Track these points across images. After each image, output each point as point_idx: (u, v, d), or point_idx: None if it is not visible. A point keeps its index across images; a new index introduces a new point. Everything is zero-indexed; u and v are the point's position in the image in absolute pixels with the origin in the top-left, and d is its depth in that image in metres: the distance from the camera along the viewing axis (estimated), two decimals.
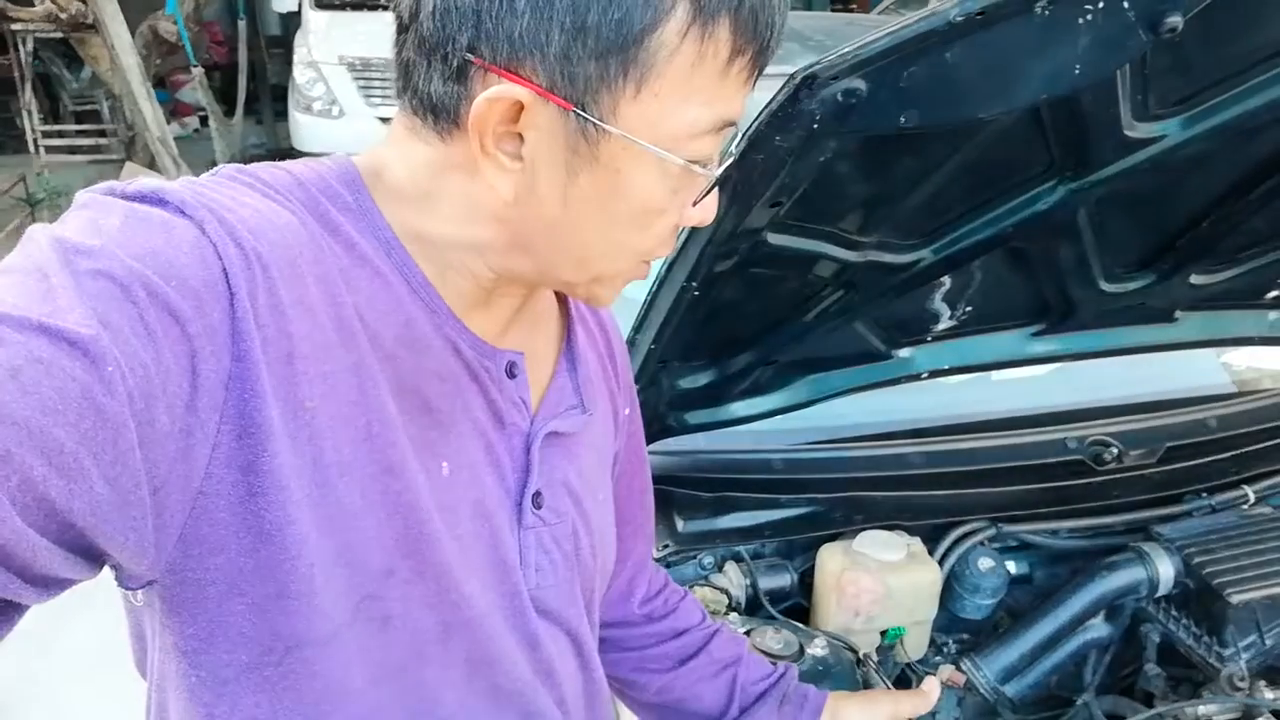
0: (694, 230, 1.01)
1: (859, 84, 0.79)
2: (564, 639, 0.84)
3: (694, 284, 1.08)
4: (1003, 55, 0.81)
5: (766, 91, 0.83)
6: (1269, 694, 1.36)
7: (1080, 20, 0.78)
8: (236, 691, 0.66)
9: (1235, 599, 1.43)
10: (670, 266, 1.07)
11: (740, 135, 0.85)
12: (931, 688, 1.15)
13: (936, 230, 1.21)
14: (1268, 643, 1.47)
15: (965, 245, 1.22)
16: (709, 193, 0.70)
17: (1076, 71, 0.84)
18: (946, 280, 1.38)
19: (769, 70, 0.67)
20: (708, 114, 0.63)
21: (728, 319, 1.27)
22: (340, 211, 0.67)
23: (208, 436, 0.57)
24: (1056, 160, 1.11)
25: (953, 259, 1.24)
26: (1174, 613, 1.54)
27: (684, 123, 0.63)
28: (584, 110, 0.61)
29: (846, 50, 0.76)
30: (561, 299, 0.87)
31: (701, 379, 1.44)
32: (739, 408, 1.53)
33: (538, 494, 0.78)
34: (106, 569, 0.58)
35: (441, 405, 0.71)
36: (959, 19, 0.74)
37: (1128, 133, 1.05)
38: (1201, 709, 1.38)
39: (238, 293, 0.57)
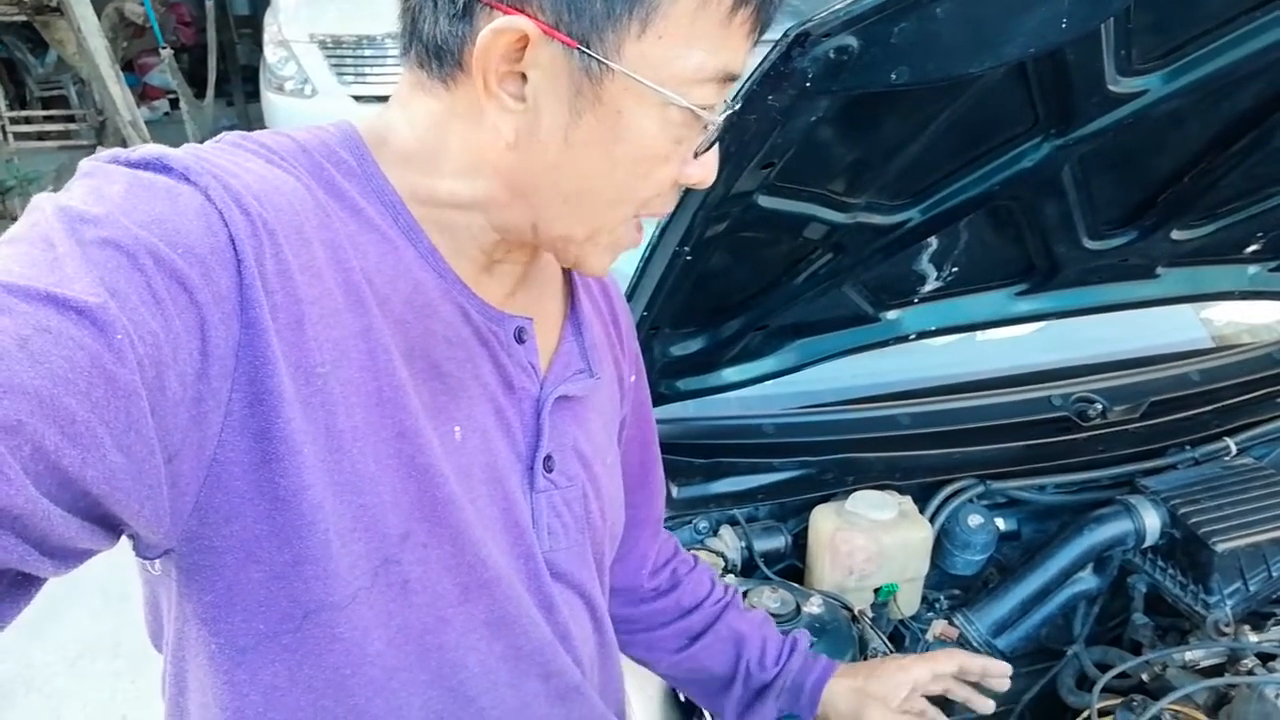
0: (687, 194, 1.01)
1: (851, 41, 0.79)
2: (578, 601, 0.85)
3: (687, 248, 1.09)
4: (992, 10, 0.81)
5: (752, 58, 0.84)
6: (1253, 637, 1.40)
7: None
8: (255, 660, 0.67)
9: (1220, 547, 1.46)
10: (663, 231, 1.08)
11: (734, 95, 0.85)
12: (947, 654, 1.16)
13: (924, 190, 1.22)
14: (1251, 589, 1.51)
15: (952, 204, 1.23)
16: (710, 148, 0.70)
17: (1063, 25, 0.85)
18: (933, 241, 1.39)
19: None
20: (711, 61, 0.64)
21: (719, 284, 1.28)
22: (345, 177, 0.67)
23: (220, 404, 0.57)
24: (1041, 117, 1.12)
25: (940, 219, 1.25)
26: (1160, 563, 1.58)
27: (687, 67, 0.63)
28: (588, 48, 0.61)
29: (839, 7, 0.77)
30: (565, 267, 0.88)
31: (693, 345, 1.44)
32: (730, 373, 1.54)
33: (549, 458, 0.79)
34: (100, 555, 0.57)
35: (451, 370, 0.71)
36: None
37: (1111, 88, 1.06)
38: (1189, 655, 1.42)
39: (244, 259, 0.57)
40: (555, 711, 0.83)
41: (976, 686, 1.15)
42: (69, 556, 0.52)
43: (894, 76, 0.84)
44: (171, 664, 0.73)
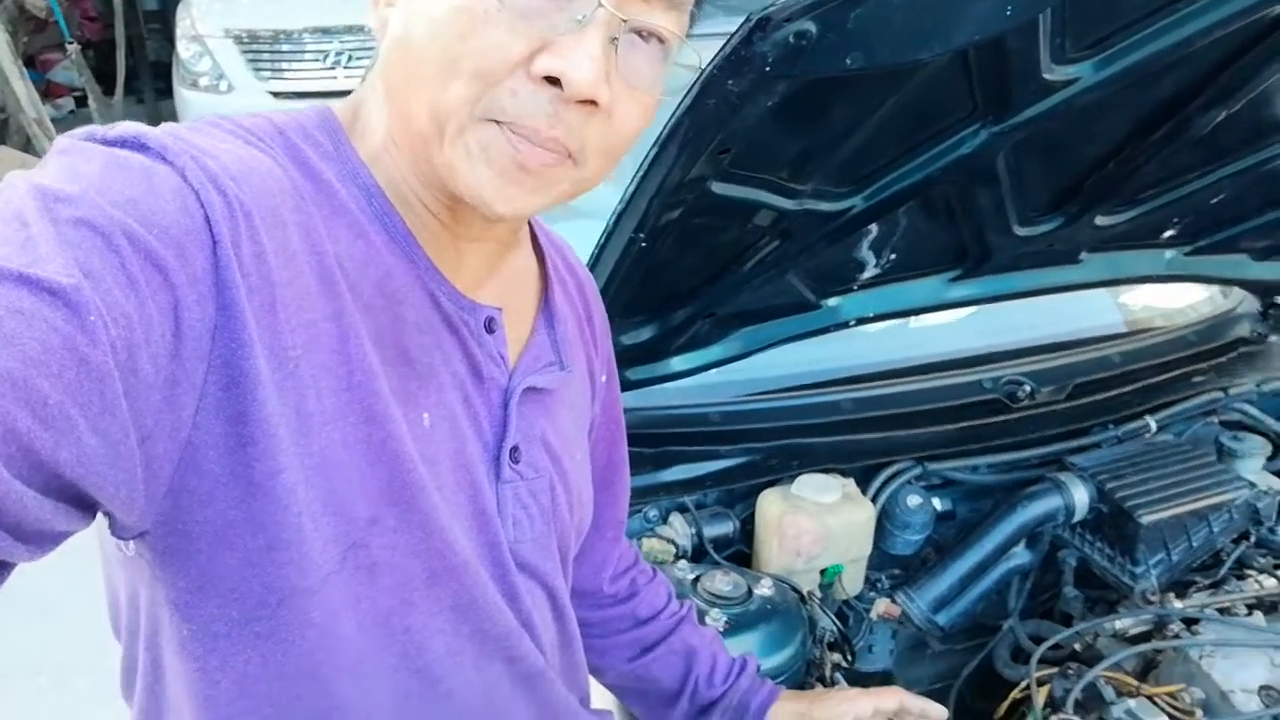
0: (643, 181, 1.03)
1: (809, 26, 0.81)
2: (540, 592, 0.85)
3: (642, 235, 1.10)
4: None
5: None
6: (1178, 604, 1.46)
7: None
8: (228, 647, 0.66)
9: (1145, 519, 1.53)
10: (619, 218, 1.09)
11: (694, 82, 0.87)
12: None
13: (867, 177, 1.25)
14: (1174, 558, 1.58)
15: (894, 191, 1.27)
16: (570, 36, 0.61)
17: (1007, 12, 0.89)
18: (873, 228, 1.43)
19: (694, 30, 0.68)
20: None
21: (670, 273, 1.30)
22: (321, 159, 0.67)
23: (194, 386, 0.57)
24: (979, 105, 1.16)
25: (882, 205, 1.28)
26: (1089, 537, 1.64)
27: None
28: None
29: None
30: (540, 259, 0.87)
31: (643, 334, 1.46)
32: (678, 362, 1.56)
33: (515, 449, 0.79)
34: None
35: (420, 357, 0.71)
36: None
37: (1046, 76, 1.11)
38: (1118, 624, 1.48)
39: (220, 241, 0.56)
40: (519, 693, 0.83)
41: None
42: (44, 540, 0.51)
43: (849, 61, 0.86)
44: (146, 651, 0.72)
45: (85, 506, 0.53)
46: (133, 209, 0.53)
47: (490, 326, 0.77)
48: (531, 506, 0.81)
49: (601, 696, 1.18)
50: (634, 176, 1.01)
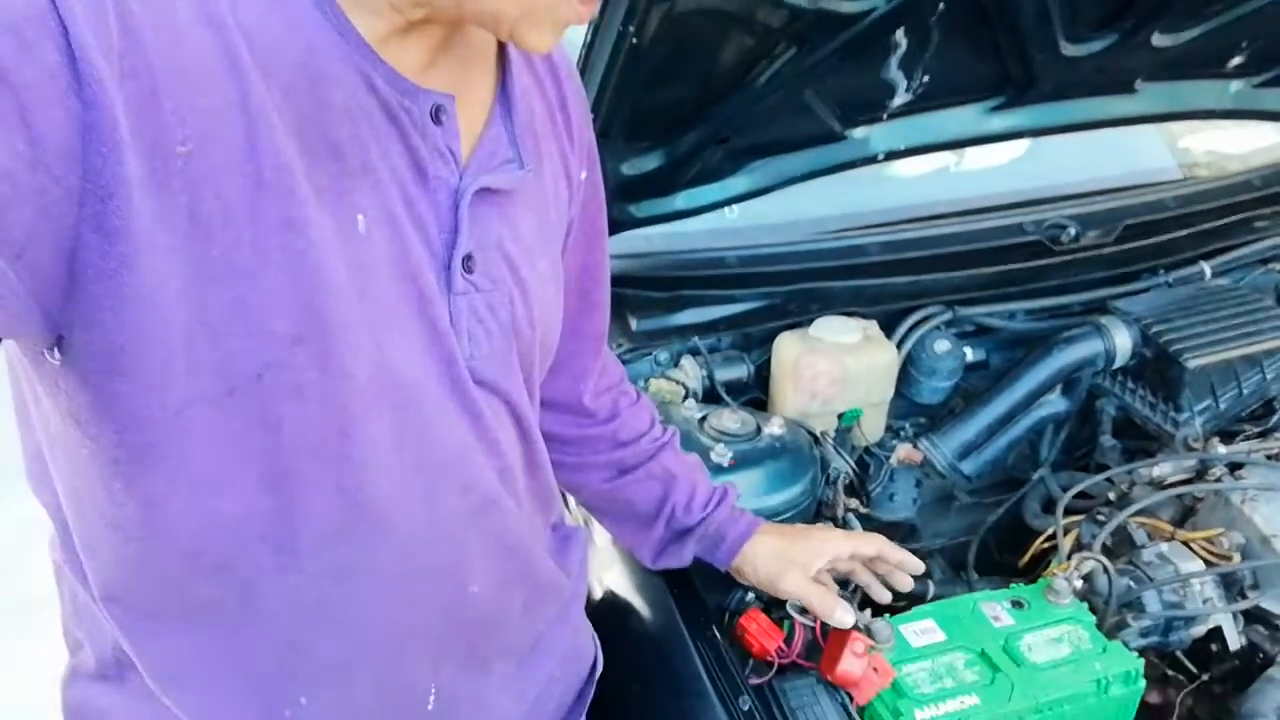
0: None
1: None
2: (502, 409, 0.78)
3: (631, 28, 1.01)
4: None
5: None
6: (1223, 449, 1.37)
7: None
8: (130, 471, 0.62)
9: (1192, 363, 1.43)
10: (604, 9, 0.99)
11: None
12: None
13: None
14: (1222, 406, 1.49)
15: None
16: None
17: None
18: (902, 42, 1.31)
19: None
20: None
21: (673, 83, 1.20)
22: None
23: (70, 191, 0.51)
24: None
25: (908, 5, 1.16)
26: (1130, 384, 1.55)
27: None
28: None
29: None
30: None
31: (648, 163, 1.37)
32: (689, 197, 1.47)
33: (469, 257, 0.71)
34: None
35: (352, 150, 0.62)
36: None
37: None
38: (1156, 470, 1.39)
39: (72, 27, 0.48)
40: (473, 525, 0.78)
41: (884, 581, 1.12)
42: None
43: None
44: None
45: None
46: None
47: (438, 116, 0.67)
48: (489, 320, 0.74)
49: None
50: None
